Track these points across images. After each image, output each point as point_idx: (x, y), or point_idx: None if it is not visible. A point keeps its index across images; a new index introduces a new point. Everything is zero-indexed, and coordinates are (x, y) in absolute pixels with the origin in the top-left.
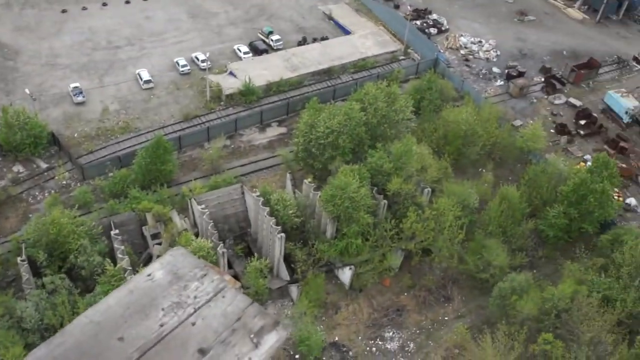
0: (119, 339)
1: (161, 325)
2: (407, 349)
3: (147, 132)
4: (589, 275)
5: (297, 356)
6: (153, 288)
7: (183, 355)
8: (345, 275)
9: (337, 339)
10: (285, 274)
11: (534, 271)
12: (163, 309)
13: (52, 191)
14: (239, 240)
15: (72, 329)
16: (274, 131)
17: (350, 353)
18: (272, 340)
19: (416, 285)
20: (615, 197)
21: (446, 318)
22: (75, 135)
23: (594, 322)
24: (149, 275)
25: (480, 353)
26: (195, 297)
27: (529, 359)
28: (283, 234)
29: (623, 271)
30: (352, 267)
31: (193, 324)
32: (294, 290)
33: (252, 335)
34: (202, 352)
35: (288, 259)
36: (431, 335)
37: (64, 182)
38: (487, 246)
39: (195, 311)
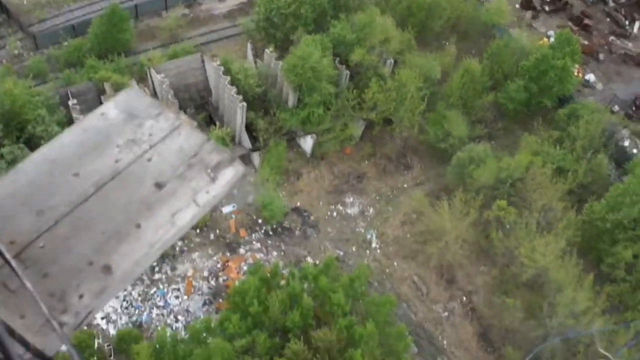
0: (74, 175)
1: (116, 162)
2: (366, 214)
3: (101, 1)
4: (545, 147)
5: (259, 221)
6: (107, 126)
7: (140, 189)
8: (307, 143)
9: (298, 204)
10: (247, 142)
11: (492, 142)
12: (118, 146)
13: (4, 61)
14: (200, 110)
15: (24, 167)
16: (233, 0)
17: (312, 218)
18: (229, 175)
19: (377, 153)
20: (575, 73)
21: (405, 185)
22: (25, 2)
23: (546, 191)
24: (102, 114)
25: (437, 218)
26: (150, 135)
27: (484, 224)
28: (244, 103)
29: (577, 144)
30: (314, 135)
31: (149, 160)
32: (256, 157)
33: (209, 170)
34: (159, 186)
35: (250, 127)
36: (390, 201)
37: (16, 52)
38: (448, 117)
39: (150, 148)
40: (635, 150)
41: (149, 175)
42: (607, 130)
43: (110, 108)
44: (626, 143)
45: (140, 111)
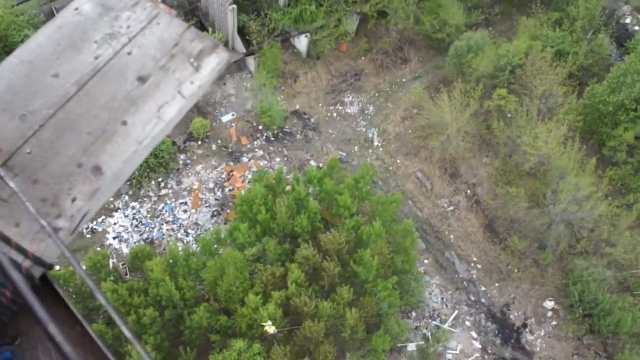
0: (54, 76)
1: (96, 58)
2: (366, 112)
3: None
4: (544, 30)
5: (260, 127)
6: (82, 22)
7: (122, 85)
8: (302, 43)
9: (298, 107)
10: (241, 47)
11: (490, 28)
12: (96, 42)
13: None
14: (190, 16)
15: (1, 71)
16: None
17: (312, 120)
18: (213, 62)
19: (373, 48)
20: None
21: (404, 80)
22: None
23: (546, 76)
24: (75, 9)
25: (437, 111)
26: (128, 27)
27: (484, 114)
28: (234, 6)
29: (577, 25)
30: (308, 34)
31: (129, 54)
32: (251, 62)
33: (191, 60)
34: (142, 79)
35: (242, 31)
36: (390, 97)
37: None
38: (443, 5)
39: (129, 40)
40: (637, 27)
41: (131, 70)
42: (608, 7)
43: (84, 2)
44: (627, 20)
45: (115, 2)
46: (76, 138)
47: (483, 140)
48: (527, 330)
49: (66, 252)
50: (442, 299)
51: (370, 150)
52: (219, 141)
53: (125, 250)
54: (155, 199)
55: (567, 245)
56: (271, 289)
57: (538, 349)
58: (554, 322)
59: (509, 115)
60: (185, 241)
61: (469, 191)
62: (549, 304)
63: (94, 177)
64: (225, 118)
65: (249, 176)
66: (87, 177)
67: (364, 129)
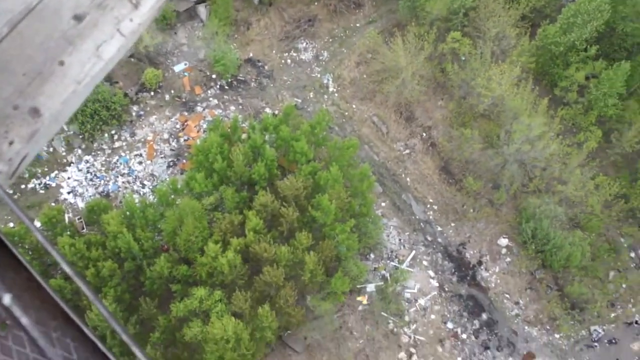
0: None
1: None
2: (321, 58)
3: None
4: None
5: (213, 76)
6: None
7: (58, 24)
8: None
9: (251, 55)
10: None
11: None
12: None
13: None
14: None
15: None
16: None
17: (266, 67)
18: None
19: None
20: None
21: (358, 25)
22: None
23: (499, 18)
24: None
25: (392, 55)
26: None
27: (439, 57)
28: None
29: None
30: None
31: None
32: (202, 10)
33: None
34: (78, 18)
35: None
36: (344, 42)
37: None
38: None
39: None
40: None
41: (65, 8)
42: None
43: None
44: None
45: None
46: (11, 79)
47: (438, 83)
48: (482, 267)
49: (3, 195)
50: (400, 240)
51: (325, 96)
52: (172, 91)
53: (81, 204)
54: (109, 151)
55: (520, 184)
56: (230, 236)
57: (493, 285)
58: (508, 259)
59: (463, 58)
60: (141, 193)
61: (424, 134)
62: (504, 241)
63: (32, 119)
64: (178, 68)
65: (204, 125)
66: (25, 119)
67: (318, 75)
